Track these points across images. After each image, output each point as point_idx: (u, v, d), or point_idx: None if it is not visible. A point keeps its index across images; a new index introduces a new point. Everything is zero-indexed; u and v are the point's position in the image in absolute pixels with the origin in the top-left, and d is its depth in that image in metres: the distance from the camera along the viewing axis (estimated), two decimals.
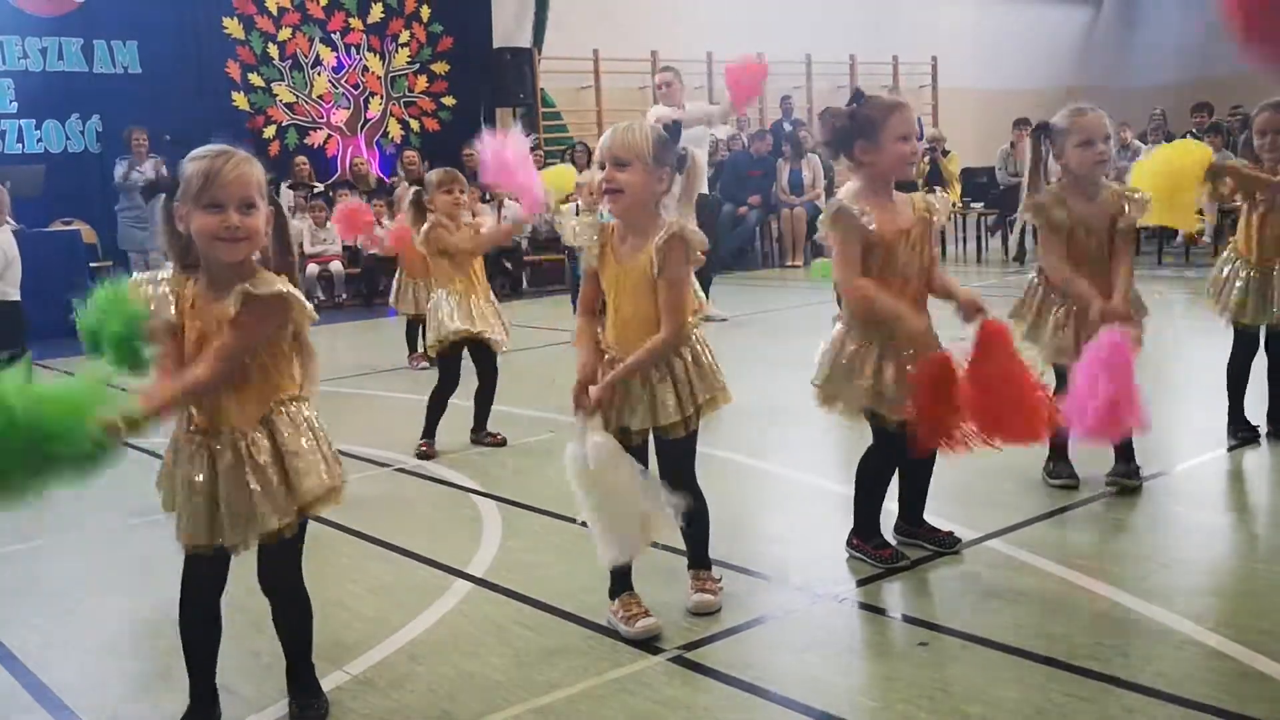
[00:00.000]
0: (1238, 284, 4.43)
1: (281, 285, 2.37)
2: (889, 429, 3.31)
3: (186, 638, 2.55)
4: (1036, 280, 4.03)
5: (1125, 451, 4.05)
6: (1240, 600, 3.14)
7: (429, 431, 5.12)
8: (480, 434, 5.25)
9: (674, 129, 3.10)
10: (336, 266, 11.38)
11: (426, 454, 5.06)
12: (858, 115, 3.25)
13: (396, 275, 7.43)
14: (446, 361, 5.10)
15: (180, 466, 2.43)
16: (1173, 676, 2.63)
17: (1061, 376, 3.99)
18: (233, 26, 11.91)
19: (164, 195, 2.42)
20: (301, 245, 11.34)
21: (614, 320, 3.04)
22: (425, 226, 5.06)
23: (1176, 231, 10.92)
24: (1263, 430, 4.64)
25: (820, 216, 3.34)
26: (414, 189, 5.24)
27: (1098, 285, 3.79)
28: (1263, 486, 4.34)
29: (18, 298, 5.98)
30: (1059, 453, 4.12)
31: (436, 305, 5.06)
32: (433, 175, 5.19)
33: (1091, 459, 4.09)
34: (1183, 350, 6.75)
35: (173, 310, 2.38)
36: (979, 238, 13.50)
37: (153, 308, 2.39)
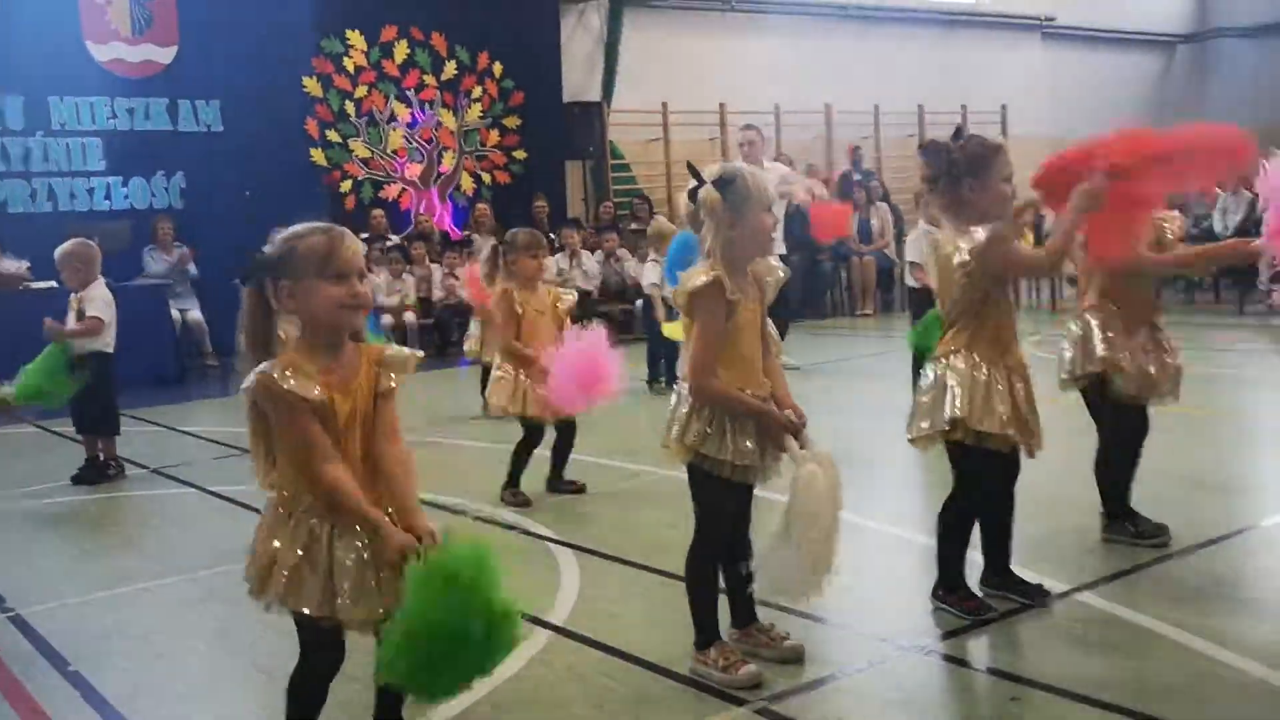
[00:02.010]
0: None
1: (404, 349, 2.53)
2: (999, 456, 3.26)
3: (315, 705, 2.56)
4: (1091, 317, 3.88)
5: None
6: None
7: (514, 481, 5.11)
8: (559, 482, 5.25)
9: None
10: (410, 318, 11.55)
11: (525, 501, 5.01)
12: (967, 152, 3.24)
13: (471, 323, 7.53)
14: (525, 418, 5.08)
15: (332, 550, 2.41)
16: None
17: (1143, 412, 3.88)
18: (311, 85, 12.24)
19: (256, 276, 2.40)
20: (376, 297, 11.56)
21: (736, 362, 2.94)
22: (499, 292, 5.05)
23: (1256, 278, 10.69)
24: None
25: (971, 248, 3.20)
26: (493, 243, 5.27)
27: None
28: None
29: (111, 350, 6.16)
30: (1124, 510, 3.99)
31: (493, 371, 5.13)
32: (520, 237, 5.07)
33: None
34: (1267, 401, 6.58)
35: (318, 390, 2.35)
36: (1053, 284, 13.31)
37: (310, 392, 2.33)
